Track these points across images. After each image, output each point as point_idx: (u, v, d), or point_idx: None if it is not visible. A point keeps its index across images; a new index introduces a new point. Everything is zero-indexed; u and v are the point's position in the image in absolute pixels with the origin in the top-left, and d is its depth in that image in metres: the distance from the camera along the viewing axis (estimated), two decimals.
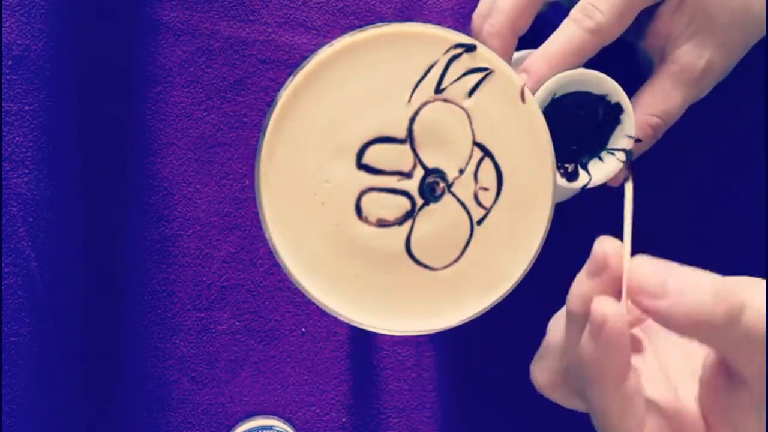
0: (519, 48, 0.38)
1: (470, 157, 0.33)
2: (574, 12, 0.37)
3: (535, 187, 0.33)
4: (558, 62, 0.36)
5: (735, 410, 0.27)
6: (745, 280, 0.26)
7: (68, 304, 0.45)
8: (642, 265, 0.26)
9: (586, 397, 0.29)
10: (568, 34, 0.36)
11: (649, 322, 0.31)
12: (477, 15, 0.39)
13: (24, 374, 0.45)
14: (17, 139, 0.45)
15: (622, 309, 0.27)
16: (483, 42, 0.37)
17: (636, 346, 0.32)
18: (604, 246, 0.28)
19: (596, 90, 0.36)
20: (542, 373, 0.32)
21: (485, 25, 0.37)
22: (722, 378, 0.27)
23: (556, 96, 0.36)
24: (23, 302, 0.45)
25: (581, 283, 0.28)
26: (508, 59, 0.38)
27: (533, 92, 0.36)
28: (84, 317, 0.45)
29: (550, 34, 0.37)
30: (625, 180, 0.35)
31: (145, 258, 0.45)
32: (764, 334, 0.25)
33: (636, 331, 0.32)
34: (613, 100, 0.36)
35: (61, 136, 0.45)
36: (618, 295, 0.27)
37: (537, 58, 0.36)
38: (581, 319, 0.28)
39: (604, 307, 0.26)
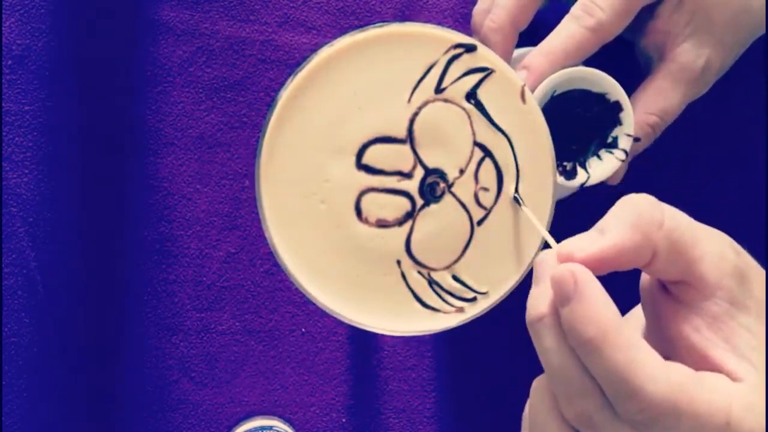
0: (519, 45, 0.38)
1: (471, 158, 0.33)
2: (575, 9, 0.37)
3: (535, 188, 0.33)
4: (558, 59, 0.36)
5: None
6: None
7: (68, 304, 0.45)
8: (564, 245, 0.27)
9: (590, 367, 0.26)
10: (568, 31, 0.36)
11: None
12: (477, 11, 0.39)
13: (24, 374, 0.45)
14: (17, 139, 0.45)
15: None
16: (484, 37, 0.37)
17: None
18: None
19: (595, 88, 0.36)
20: None
21: (486, 20, 0.37)
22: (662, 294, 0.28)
23: (556, 94, 0.36)
24: (23, 302, 0.45)
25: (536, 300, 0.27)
26: (508, 55, 0.38)
27: (533, 89, 0.36)
28: (84, 317, 0.45)
29: (550, 31, 0.37)
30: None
31: (145, 258, 0.45)
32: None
33: None
34: (613, 98, 0.36)
35: (61, 136, 0.45)
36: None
37: (538, 54, 0.36)
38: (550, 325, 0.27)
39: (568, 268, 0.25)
